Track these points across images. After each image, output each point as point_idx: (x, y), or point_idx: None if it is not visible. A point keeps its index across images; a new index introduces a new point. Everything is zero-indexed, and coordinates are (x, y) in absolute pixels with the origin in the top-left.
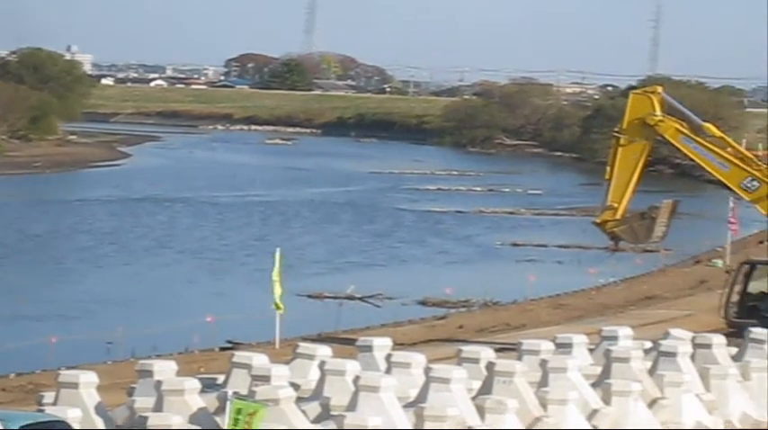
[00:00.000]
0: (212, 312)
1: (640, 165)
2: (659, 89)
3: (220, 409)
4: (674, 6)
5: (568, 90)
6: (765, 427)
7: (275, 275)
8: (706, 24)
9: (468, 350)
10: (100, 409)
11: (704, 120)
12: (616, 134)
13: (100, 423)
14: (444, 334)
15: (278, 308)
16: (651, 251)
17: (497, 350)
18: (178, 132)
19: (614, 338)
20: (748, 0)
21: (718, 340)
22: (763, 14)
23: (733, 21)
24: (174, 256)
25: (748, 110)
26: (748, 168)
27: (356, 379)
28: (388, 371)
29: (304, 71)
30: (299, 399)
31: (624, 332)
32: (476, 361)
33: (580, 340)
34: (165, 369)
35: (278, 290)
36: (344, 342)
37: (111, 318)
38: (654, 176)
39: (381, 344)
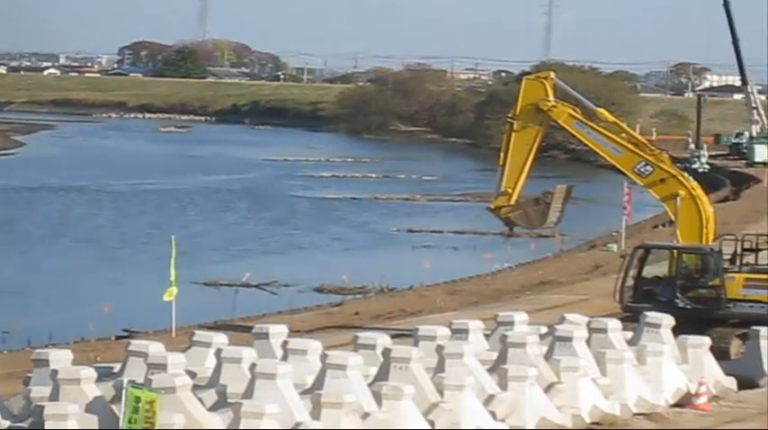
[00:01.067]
0: (108, 301)
1: (534, 150)
2: (552, 75)
3: (117, 398)
4: None
5: (462, 76)
6: (661, 411)
7: (172, 263)
8: (599, 10)
9: (364, 336)
10: None
11: (597, 106)
12: (509, 120)
13: None
14: (340, 320)
15: (169, 296)
16: (546, 236)
17: (393, 336)
18: (72, 121)
19: (510, 324)
20: None
21: (614, 324)
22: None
23: (625, 6)
24: (69, 245)
25: (642, 95)
26: (642, 153)
27: (252, 366)
28: (284, 358)
29: (198, 59)
30: (196, 387)
31: (520, 317)
32: (372, 347)
33: (476, 326)
34: (60, 358)
35: (172, 277)
36: (241, 329)
37: (7, 307)
38: (548, 162)
39: (277, 332)
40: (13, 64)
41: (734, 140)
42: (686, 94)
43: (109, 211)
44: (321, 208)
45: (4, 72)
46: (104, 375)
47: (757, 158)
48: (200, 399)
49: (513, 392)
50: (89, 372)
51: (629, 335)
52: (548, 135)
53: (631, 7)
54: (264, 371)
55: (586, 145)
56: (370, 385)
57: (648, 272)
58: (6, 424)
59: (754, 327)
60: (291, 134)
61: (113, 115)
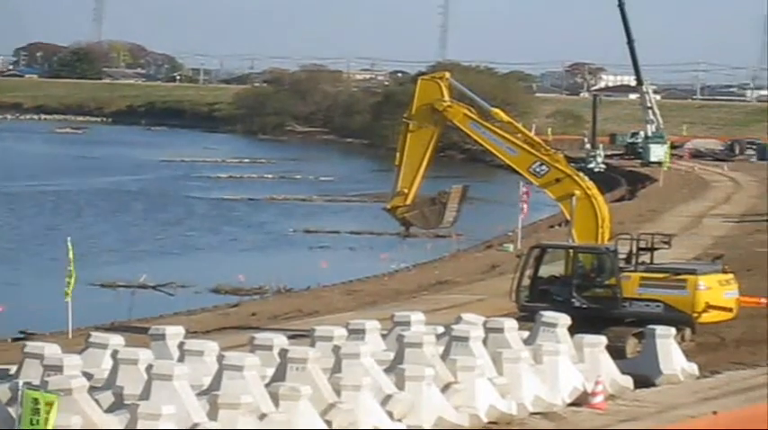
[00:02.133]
0: (4, 302)
1: (430, 150)
2: (447, 75)
3: (13, 400)
4: None
5: (359, 76)
6: (558, 410)
7: (70, 264)
8: (495, 10)
9: (261, 337)
10: None
11: (493, 106)
12: (405, 120)
13: None
14: (237, 321)
15: (67, 295)
16: (442, 236)
17: (291, 337)
18: None
19: (407, 324)
20: None
21: (510, 324)
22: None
23: (521, 7)
24: None
25: (538, 95)
26: (537, 153)
27: (149, 367)
28: (181, 359)
29: (93, 60)
30: (92, 389)
31: (417, 317)
32: (269, 348)
33: (373, 326)
34: None
35: (71, 278)
36: (137, 331)
37: None
38: (444, 162)
39: (174, 333)
40: None
41: (629, 140)
42: (582, 94)
43: (4, 213)
44: (218, 209)
45: None
46: (0, 377)
47: (652, 158)
48: (97, 401)
49: (411, 392)
50: None
51: (526, 334)
52: (444, 135)
53: (527, 8)
54: (161, 372)
55: (482, 145)
56: (267, 386)
57: (544, 271)
58: None
59: (650, 326)
60: (188, 135)
61: (8, 117)
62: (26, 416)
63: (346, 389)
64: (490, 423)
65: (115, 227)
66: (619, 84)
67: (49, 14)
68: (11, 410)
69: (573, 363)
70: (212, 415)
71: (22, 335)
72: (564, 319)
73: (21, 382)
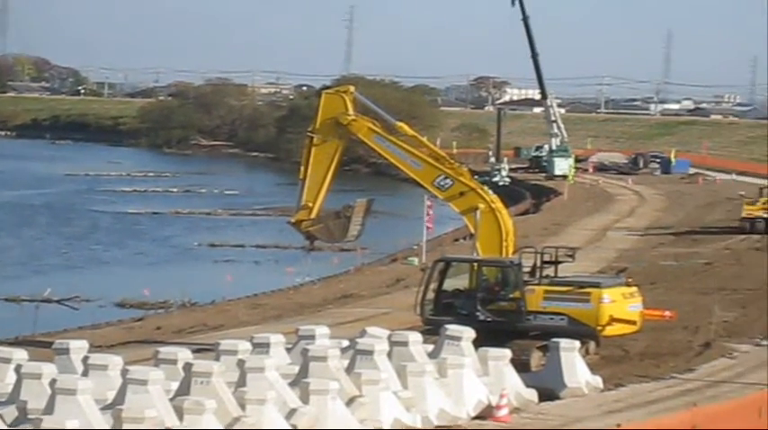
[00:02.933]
0: None
1: (334, 164)
2: (352, 88)
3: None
4: (368, 7)
5: (263, 90)
6: (462, 423)
7: None
8: (400, 24)
9: (165, 351)
10: None
11: (398, 119)
12: (309, 134)
13: None
14: (142, 335)
15: None
16: (347, 250)
17: (195, 351)
18: None
19: (311, 337)
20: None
21: (415, 337)
22: (453, 14)
23: (426, 21)
24: None
25: (442, 109)
26: (441, 167)
27: (53, 382)
28: (85, 373)
29: None
30: None
31: (321, 331)
32: (173, 362)
33: (277, 340)
34: None
35: None
36: (41, 345)
37: None
38: (350, 175)
39: (78, 347)
40: None
41: (534, 154)
42: (487, 108)
43: None
44: (123, 223)
45: None
46: None
47: (557, 171)
48: (1, 416)
49: (315, 406)
50: None
51: (430, 348)
52: (349, 149)
53: (432, 21)
54: (65, 386)
55: (386, 159)
56: (171, 400)
57: (449, 285)
58: None
59: (555, 340)
60: (92, 149)
61: None
62: None
63: (251, 403)
64: None
65: (19, 241)
66: (523, 97)
67: None
68: None
69: (477, 377)
70: (116, 428)
71: None
72: (468, 333)
73: None
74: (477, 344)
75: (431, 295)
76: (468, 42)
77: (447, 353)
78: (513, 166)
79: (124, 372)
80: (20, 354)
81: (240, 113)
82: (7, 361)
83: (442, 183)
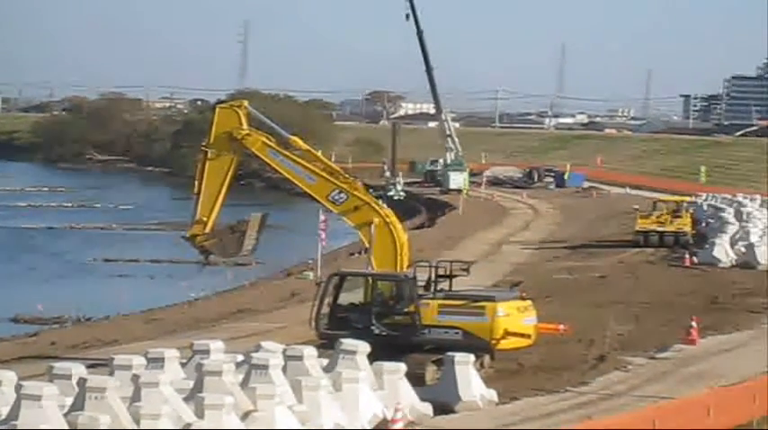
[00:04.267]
0: None
1: (228, 178)
2: (245, 103)
3: None
4: (263, 21)
5: (158, 105)
6: None
7: None
8: (295, 38)
9: (59, 367)
10: None
11: (292, 134)
12: (204, 148)
13: None
14: (36, 351)
15: None
16: (242, 264)
17: (90, 366)
18: None
19: (206, 352)
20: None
21: (310, 352)
22: (348, 28)
23: (321, 35)
24: None
25: (337, 123)
26: (336, 181)
27: None
28: None
29: None
30: None
31: (216, 345)
32: (68, 377)
33: (172, 354)
34: None
35: None
36: None
37: None
38: (244, 190)
39: None
40: None
41: (429, 168)
42: (382, 122)
43: None
44: (17, 237)
45: None
46: None
47: (452, 185)
48: None
49: (210, 421)
50: None
51: (325, 362)
52: (243, 163)
53: (327, 36)
54: None
55: (281, 173)
56: (65, 415)
57: (344, 299)
58: None
59: (449, 353)
60: None
61: None
62: None
63: (145, 418)
64: None
65: None
66: (418, 112)
67: None
68: None
69: (372, 391)
70: None
71: None
72: (363, 347)
73: None
74: (372, 358)
75: (326, 309)
76: (363, 57)
77: (342, 367)
78: (408, 180)
79: (18, 388)
80: None
81: (135, 128)
82: None
83: (336, 198)
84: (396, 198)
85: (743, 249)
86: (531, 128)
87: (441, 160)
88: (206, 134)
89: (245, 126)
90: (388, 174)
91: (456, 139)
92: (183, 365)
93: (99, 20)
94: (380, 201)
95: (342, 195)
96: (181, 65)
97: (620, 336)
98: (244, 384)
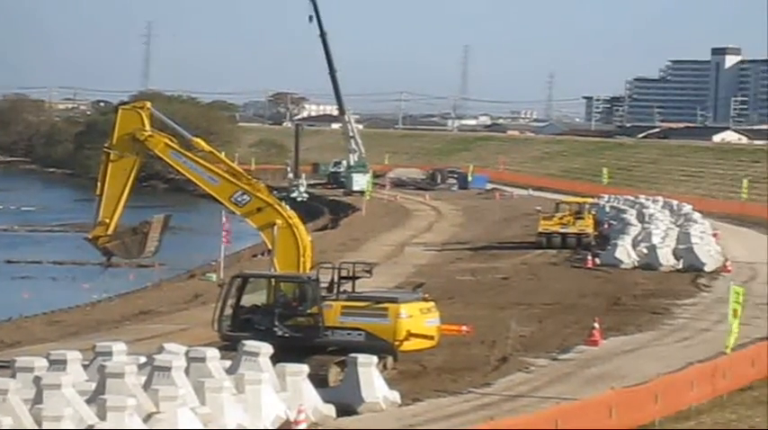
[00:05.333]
0: None
1: (131, 180)
2: (148, 104)
3: None
4: (166, 23)
5: (61, 106)
6: None
7: None
8: (199, 40)
9: None
10: None
11: (195, 135)
12: (106, 150)
13: None
14: None
15: None
16: (145, 266)
17: None
18: None
19: (108, 354)
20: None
21: (212, 354)
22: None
23: (224, 37)
24: None
25: (241, 124)
26: (238, 183)
27: None
28: None
29: None
30: None
31: (118, 347)
32: None
33: (74, 356)
34: None
35: None
36: None
37: None
38: (147, 191)
39: None
40: None
41: (332, 169)
42: (285, 124)
43: None
44: None
45: None
46: None
47: (355, 187)
48: None
49: (112, 423)
50: None
51: (228, 363)
52: (146, 164)
53: (230, 38)
54: None
55: (183, 174)
56: None
57: (247, 300)
58: None
59: (352, 355)
60: None
61: None
62: None
63: (47, 420)
64: None
65: None
66: (322, 113)
67: None
68: None
69: (275, 392)
70: None
71: None
72: (266, 348)
73: None
74: (275, 359)
75: (229, 311)
76: (266, 58)
77: (245, 368)
78: (312, 182)
79: None
80: None
81: (37, 129)
82: None
83: (239, 199)
84: (299, 200)
85: (645, 251)
86: (434, 129)
87: (344, 162)
88: (109, 135)
89: (147, 127)
90: (291, 175)
91: (359, 141)
92: (86, 367)
93: (0, 21)
94: (283, 203)
95: (244, 197)
96: (84, 66)
97: (523, 338)
98: (146, 386)
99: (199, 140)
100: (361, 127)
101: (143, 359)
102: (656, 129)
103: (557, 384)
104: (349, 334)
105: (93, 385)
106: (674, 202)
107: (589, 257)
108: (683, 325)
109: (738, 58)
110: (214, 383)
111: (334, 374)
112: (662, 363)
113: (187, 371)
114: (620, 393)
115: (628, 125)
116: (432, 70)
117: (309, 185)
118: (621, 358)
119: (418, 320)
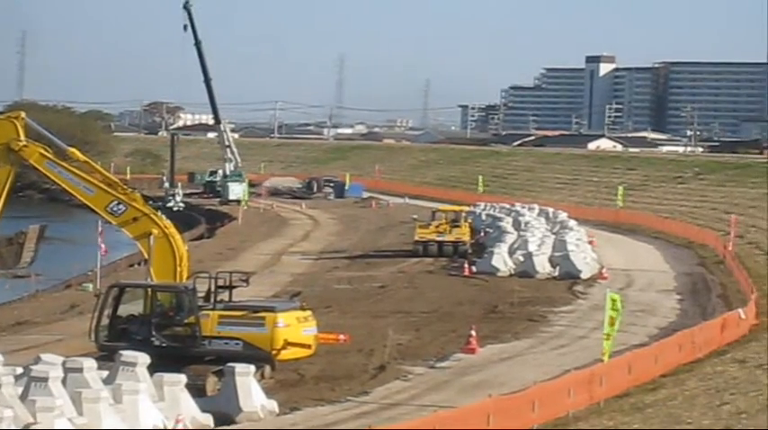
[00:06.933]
0: None
1: (6, 190)
2: (23, 114)
3: None
4: (41, 33)
5: None
6: None
7: None
8: (73, 50)
9: None
10: None
11: (70, 145)
12: None
13: None
14: None
15: None
16: (21, 276)
17: None
18: None
19: None
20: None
21: (89, 364)
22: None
23: (99, 46)
24: None
25: (116, 134)
26: (114, 192)
27: None
28: None
29: None
30: None
31: None
32: None
33: None
34: None
35: None
36: None
37: None
38: (23, 202)
39: None
40: None
41: (208, 179)
42: (160, 133)
43: None
44: None
45: None
46: None
47: (231, 196)
48: None
49: None
50: None
51: (105, 373)
52: (21, 175)
53: (105, 47)
54: None
55: (59, 184)
56: None
57: (124, 310)
58: None
59: (230, 364)
60: None
61: None
62: None
63: None
64: None
65: None
66: (197, 122)
67: None
68: None
69: (153, 402)
70: None
71: None
72: (143, 358)
73: None
74: (153, 369)
75: (105, 321)
76: (141, 67)
77: (122, 378)
78: (188, 192)
79: None
80: None
81: None
82: None
83: (115, 209)
84: (175, 209)
85: (521, 258)
86: (310, 138)
87: (220, 171)
88: None
89: (22, 137)
90: (167, 185)
91: (235, 150)
92: None
93: None
94: (159, 213)
95: (120, 206)
96: None
97: (400, 346)
98: (23, 397)
99: (74, 150)
100: (236, 136)
101: (20, 370)
102: (532, 137)
103: (434, 392)
104: (226, 343)
105: None
106: (550, 210)
107: (466, 265)
108: (559, 332)
109: (613, 66)
110: (91, 394)
111: (211, 384)
112: (539, 371)
113: (64, 382)
114: (498, 400)
115: (503, 133)
116: (308, 79)
117: (185, 195)
118: (499, 366)
119: (295, 329)
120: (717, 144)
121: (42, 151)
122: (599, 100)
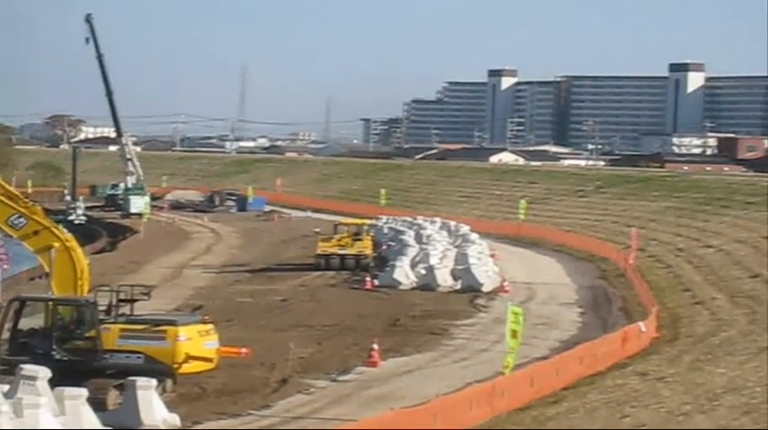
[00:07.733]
0: None
1: None
2: None
3: None
4: None
5: None
6: None
7: None
8: None
9: None
10: None
11: None
12: None
13: None
14: None
15: None
16: None
17: None
18: None
19: None
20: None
21: None
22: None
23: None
24: None
25: (17, 147)
26: (15, 205)
27: None
28: None
29: None
30: None
31: None
32: None
33: None
34: None
35: None
36: None
37: None
38: None
39: None
40: None
41: (110, 192)
42: (62, 146)
43: None
44: None
45: None
46: None
47: (133, 209)
48: None
49: None
50: None
51: (6, 387)
52: None
53: (3, 62)
54: None
55: None
56: None
57: (25, 324)
58: None
59: (131, 378)
60: None
61: None
62: None
63: None
64: None
65: None
66: (99, 135)
67: None
68: None
69: (54, 416)
70: None
71: None
72: (44, 372)
73: None
74: (54, 383)
75: (6, 334)
76: (43, 80)
77: (23, 393)
78: (90, 205)
79: None
80: None
81: None
82: None
83: (15, 222)
84: (76, 222)
85: (423, 271)
86: (212, 152)
87: (121, 184)
88: None
89: None
90: (68, 198)
91: (137, 163)
92: None
93: None
94: (61, 226)
95: (21, 220)
96: None
97: (302, 360)
98: None
99: None
100: (138, 149)
101: None
102: (434, 151)
103: (336, 405)
104: (128, 357)
105: None
106: (452, 223)
107: (368, 279)
108: (461, 345)
109: (515, 80)
110: None
111: (113, 397)
112: (441, 384)
113: None
114: (400, 414)
115: (405, 146)
116: (210, 92)
117: (87, 208)
118: (401, 379)
119: (197, 343)
120: (618, 157)
121: None
122: (501, 113)
